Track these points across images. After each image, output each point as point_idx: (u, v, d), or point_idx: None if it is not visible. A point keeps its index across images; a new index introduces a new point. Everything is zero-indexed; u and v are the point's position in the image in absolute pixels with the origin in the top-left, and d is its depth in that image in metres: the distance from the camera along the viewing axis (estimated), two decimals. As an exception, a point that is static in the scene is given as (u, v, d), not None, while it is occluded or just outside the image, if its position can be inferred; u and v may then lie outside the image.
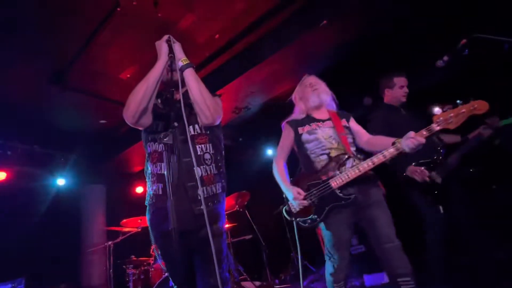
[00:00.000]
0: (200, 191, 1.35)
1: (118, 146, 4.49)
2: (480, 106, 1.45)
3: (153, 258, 3.52)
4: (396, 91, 2.33)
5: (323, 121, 1.85)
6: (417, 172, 2.00)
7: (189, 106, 1.50)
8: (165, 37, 1.51)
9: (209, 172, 1.47)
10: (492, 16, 2.68)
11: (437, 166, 2.06)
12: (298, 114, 1.95)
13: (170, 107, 1.50)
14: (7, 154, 3.89)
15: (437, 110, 1.55)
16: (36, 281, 3.02)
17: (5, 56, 2.80)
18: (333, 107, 1.95)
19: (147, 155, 1.56)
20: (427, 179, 1.97)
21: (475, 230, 2.06)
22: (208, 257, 1.30)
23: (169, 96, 1.54)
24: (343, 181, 1.65)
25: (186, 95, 1.49)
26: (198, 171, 1.40)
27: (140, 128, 1.56)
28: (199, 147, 1.49)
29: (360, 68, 2.45)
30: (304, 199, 1.73)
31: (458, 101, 1.50)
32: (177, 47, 1.51)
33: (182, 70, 1.46)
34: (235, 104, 4.14)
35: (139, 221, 3.64)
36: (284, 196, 1.86)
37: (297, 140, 1.85)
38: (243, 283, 3.72)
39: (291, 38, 3.04)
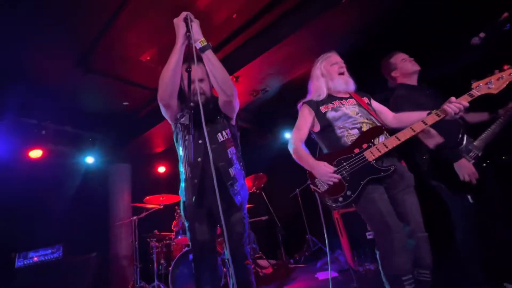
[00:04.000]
0: (234, 187, 1.58)
1: (141, 127, 4.67)
2: None
3: (174, 233, 3.74)
4: (402, 66, 2.10)
5: (346, 98, 1.75)
6: (471, 171, 1.69)
7: (213, 115, 1.63)
8: (183, 14, 1.51)
9: (237, 170, 1.66)
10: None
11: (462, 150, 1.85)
12: (315, 93, 1.80)
13: (194, 120, 1.48)
14: (42, 134, 4.20)
15: (474, 80, 1.54)
16: (71, 249, 3.33)
17: (36, 41, 2.95)
18: (352, 88, 1.83)
19: (180, 158, 1.69)
20: (474, 181, 1.69)
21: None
22: (235, 232, 1.56)
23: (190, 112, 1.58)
24: (380, 152, 1.50)
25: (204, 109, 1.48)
26: (231, 172, 1.61)
27: (170, 111, 1.63)
28: (229, 151, 1.65)
29: (384, 49, 2.31)
30: (335, 173, 1.54)
31: (504, 67, 1.51)
32: (195, 26, 1.52)
33: (202, 51, 1.51)
34: (253, 87, 4.11)
35: (161, 198, 3.84)
36: (307, 173, 1.67)
37: (321, 119, 1.70)
38: (259, 261, 3.88)
39: (310, 17, 2.90)
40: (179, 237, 3.62)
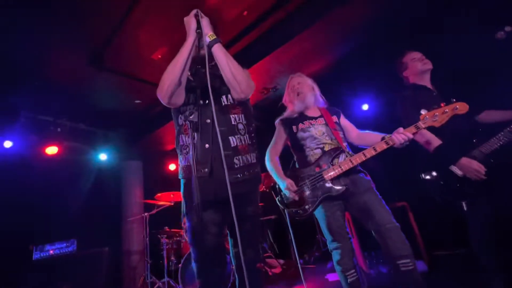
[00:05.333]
0: (235, 160, 1.39)
1: (152, 125, 4.73)
2: (461, 107, 1.58)
3: (184, 230, 3.77)
4: (412, 67, 2.05)
5: (316, 118, 1.94)
6: (473, 168, 1.63)
7: (220, 77, 1.49)
8: (193, 11, 1.49)
9: (243, 142, 1.48)
10: None
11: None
12: (290, 112, 2.04)
13: (200, 80, 1.49)
14: (57, 131, 4.32)
15: (423, 111, 1.64)
16: (84, 243, 3.42)
17: (50, 39, 3.01)
18: (322, 103, 2.03)
19: (178, 127, 1.56)
20: (483, 177, 1.63)
21: None
22: (247, 230, 1.36)
23: (198, 71, 1.55)
24: (336, 173, 1.73)
25: (215, 67, 1.48)
26: (233, 140, 1.44)
27: (174, 107, 1.55)
28: (233, 117, 1.49)
29: (396, 45, 2.23)
30: (296, 191, 1.80)
31: (452, 99, 1.61)
32: (205, 22, 1.48)
33: (209, 46, 1.44)
34: (263, 85, 4.08)
35: (171, 196, 3.89)
36: (277, 186, 1.94)
37: (292, 137, 1.96)
38: (268, 260, 3.86)
39: (322, 13, 2.84)
40: (184, 235, 3.65)
